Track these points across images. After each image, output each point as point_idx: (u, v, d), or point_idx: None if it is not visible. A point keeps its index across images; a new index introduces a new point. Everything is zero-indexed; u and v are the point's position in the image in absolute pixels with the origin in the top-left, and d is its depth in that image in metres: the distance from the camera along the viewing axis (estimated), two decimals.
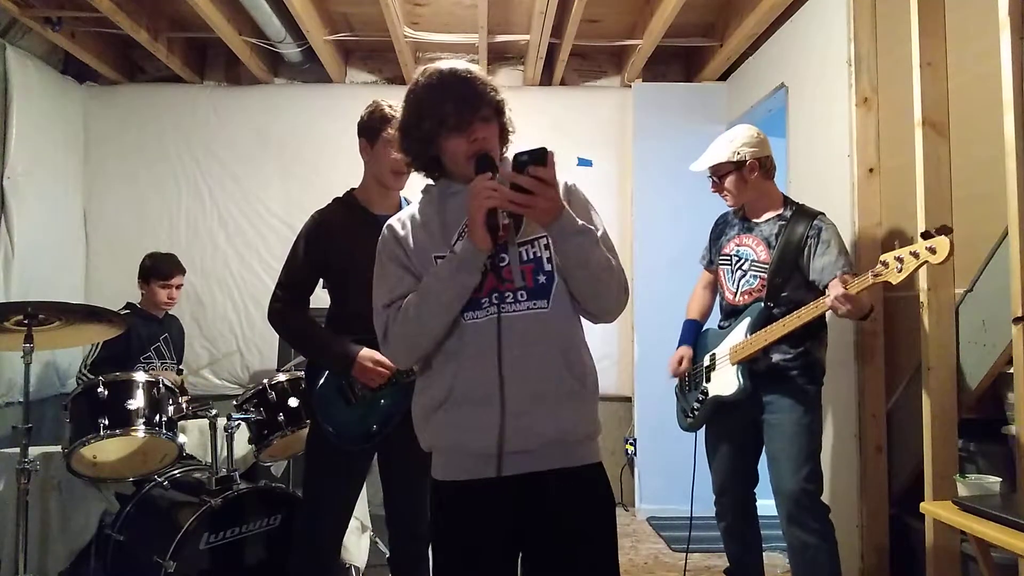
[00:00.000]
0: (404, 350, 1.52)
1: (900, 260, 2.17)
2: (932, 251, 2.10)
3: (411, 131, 1.53)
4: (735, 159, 2.56)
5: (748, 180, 2.57)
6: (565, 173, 1.54)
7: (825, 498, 2.49)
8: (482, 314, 1.46)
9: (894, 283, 2.20)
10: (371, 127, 2.28)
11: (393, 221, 1.59)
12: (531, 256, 1.48)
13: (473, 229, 1.41)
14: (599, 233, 1.49)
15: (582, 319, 1.55)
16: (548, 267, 1.48)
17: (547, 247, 1.48)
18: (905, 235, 2.58)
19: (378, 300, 1.53)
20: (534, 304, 1.46)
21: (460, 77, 1.49)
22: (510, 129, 1.57)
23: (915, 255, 2.14)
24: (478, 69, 1.54)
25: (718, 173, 2.61)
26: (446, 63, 1.53)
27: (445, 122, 1.47)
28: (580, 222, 1.44)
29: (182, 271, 3.57)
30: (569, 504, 1.47)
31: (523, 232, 1.49)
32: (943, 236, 2.09)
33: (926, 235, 2.13)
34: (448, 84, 1.49)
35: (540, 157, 1.38)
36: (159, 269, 3.48)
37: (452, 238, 1.50)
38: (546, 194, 1.38)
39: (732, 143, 2.59)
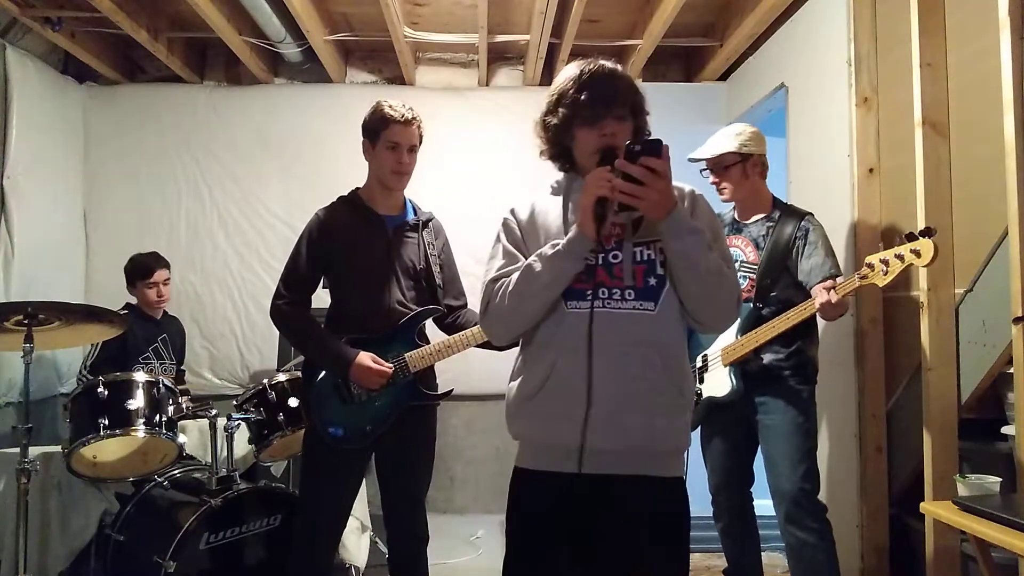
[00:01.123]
0: (502, 326, 1.53)
1: (885, 263, 2.18)
2: (916, 254, 2.11)
3: (548, 119, 1.55)
4: (742, 151, 2.55)
5: (749, 176, 2.57)
6: (687, 182, 1.55)
7: (825, 498, 2.49)
8: (585, 305, 1.46)
9: (880, 285, 2.22)
10: (372, 128, 2.29)
11: (517, 204, 1.61)
12: (645, 257, 1.48)
13: (582, 216, 1.42)
14: (720, 244, 1.50)
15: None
16: (661, 271, 1.47)
17: (662, 251, 1.47)
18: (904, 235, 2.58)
19: (487, 275, 1.55)
20: (641, 304, 1.46)
21: (604, 72, 1.51)
22: (646, 132, 1.57)
23: (900, 257, 2.15)
24: (622, 70, 1.55)
25: (722, 164, 2.58)
26: (593, 61, 1.55)
27: (579, 113, 1.49)
28: (694, 223, 1.44)
29: (165, 265, 3.50)
30: (647, 514, 1.46)
31: (642, 233, 1.49)
32: (927, 238, 2.09)
33: (910, 237, 2.14)
34: (589, 78, 1.50)
35: (654, 147, 1.37)
36: (139, 268, 3.44)
37: (570, 230, 1.50)
38: (657, 185, 1.37)
39: (739, 136, 2.57)
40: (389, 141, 2.27)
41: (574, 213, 1.51)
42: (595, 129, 1.49)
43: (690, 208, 1.52)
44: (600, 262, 1.46)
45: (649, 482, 1.46)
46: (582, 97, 1.48)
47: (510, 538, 1.53)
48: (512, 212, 1.59)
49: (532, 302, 1.46)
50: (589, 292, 1.46)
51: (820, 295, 2.27)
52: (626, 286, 1.46)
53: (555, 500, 1.47)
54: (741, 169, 2.57)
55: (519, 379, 1.53)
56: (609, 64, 1.53)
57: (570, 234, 1.45)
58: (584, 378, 1.43)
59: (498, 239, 1.59)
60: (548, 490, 1.48)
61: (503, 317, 1.50)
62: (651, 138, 1.40)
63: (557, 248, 1.44)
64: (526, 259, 1.50)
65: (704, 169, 2.65)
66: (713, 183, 2.64)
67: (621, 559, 1.46)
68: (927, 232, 2.11)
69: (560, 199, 1.57)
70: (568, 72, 1.54)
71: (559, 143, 1.56)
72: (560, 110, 1.52)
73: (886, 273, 2.17)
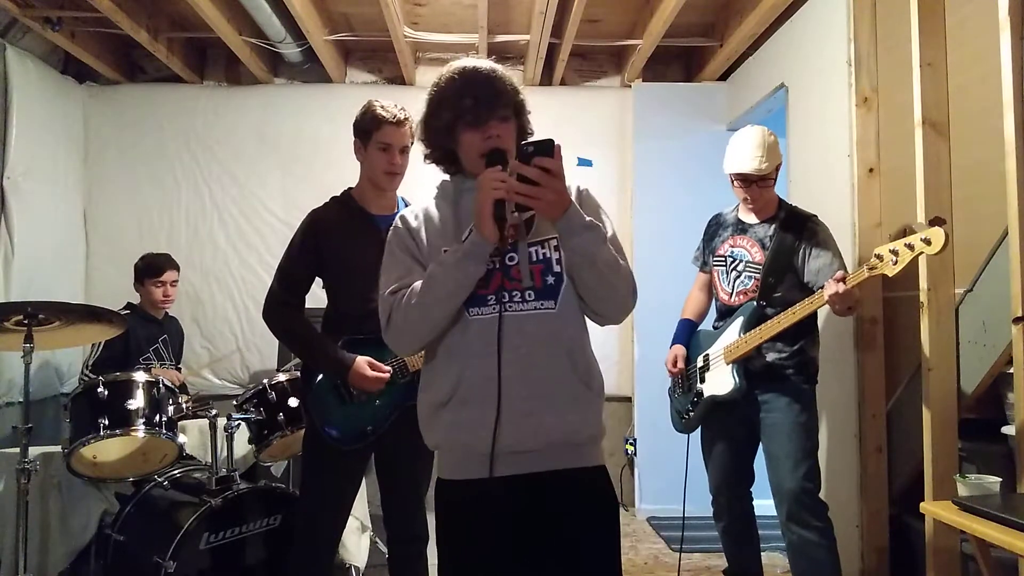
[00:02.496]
0: (406, 337, 1.51)
1: (895, 253, 2.16)
2: (927, 242, 2.09)
3: (430, 123, 1.54)
4: (779, 162, 2.57)
5: (776, 182, 2.59)
6: (570, 176, 1.53)
7: (825, 498, 2.49)
8: (487, 311, 1.45)
9: (890, 275, 2.20)
10: (363, 128, 2.28)
11: (406, 213, 1.59)
12: (541, 256, 1.48)
13: (480, 220, 1.41)
14: (608, 234, 1.48)
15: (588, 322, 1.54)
16: (557, 268, 1.47)
17: (557, 248, 1.47)
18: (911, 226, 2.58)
19: (384, 287, 1.53)
20: (541, 304, 1.46)
21: (483, 74, 1.50)
22: (529, 130, 1.57)
23: (910, 247, 2.13)
24: (502, 69, 1.54)
25: (769, 177, 2.55)
26: (472, 60, 1.54)
27: (462, 116, 1.48)
28: (588, 218, 1.43)
29: (175, 267, 3.54)
30: (570, 506, 1.46)
31: (534, 232, 1.48)
32: (937, 227, 2.08)
33: (920, 227, 2.13)
34: (470, 80, 1.50)
35: (546, 148, 1.37)
36: (150, 267, 3.47)
37: (463, 233, 1.49)
38: (552, 186, 1.36)
39: (776, 148, 2.56)
40: (380, 142, 2.26)
41: (466, 216, 1.50)
42: (480, 131, 1.48)
43: (577, 202, 1.50)
44: (497, 266, 1.46)
45: (570, 474, 1.46)
46: (465, 100, 1.48)
47: (444, 549, 1.52)
48: (402, 219, 1.58)
49: (437, 311, 1.45)
50: (491, 297, 1.45)
51: (830, 286, 2.25)
52: (525, 287, 1.46)
53: (476, 507, 1.47)
54: (774, 179, 2.59)
55: (428, 390, 1.52)
56: (489, 64, 1.53)
57: (471, 238, 1.43)
58: (494, 383, 1.42)
59: (390, 251, 1.57)
60: (466, 498, 1.47)
61: (408, 329, 1.48)
62: (542, 138, 1.39)
63: (458, 254, 1.43)
64: (422, 266, 1.49)
65: (735, 175, 2.57)
66: (749, 192, 2.56)
67: (554, 557, 1.46)
68: (937, 221, 2.10)
69: (449, 203, 1.56)
70: (450, 72, 1.53)
71: (442, 146, 1.55)
72: (442, 113, 1.51)
73: (896, 263, 2.16)
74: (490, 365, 1.43)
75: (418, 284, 1.46)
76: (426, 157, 1.60)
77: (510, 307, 1.45)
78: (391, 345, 1.59)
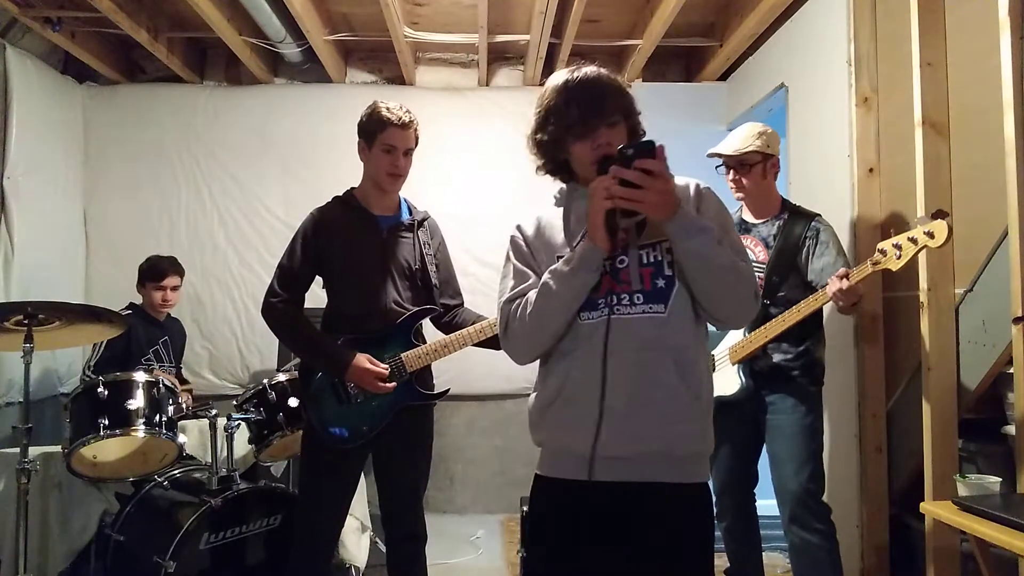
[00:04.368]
0: (524, 346, 1.51)
1: (898, 247, 2.16)
2: (930, 235, 2.09)
3: (539, 136, 1.53)
4: (766, 151, 2.55)
5: (766, 176, 2.58)
6: (692, 175, 1.53)
7: (825, 498, 2.49)
8: (596, 315, 1.44)
9: (894, 270, 2.19)
10: (369, 129, 2.29)
11: (523, 221, 1.59)
12: (651, 260, 1.46)
13: (592, 230, 1.40)
14: (730, 238, 1.47)
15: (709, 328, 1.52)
16: (668, 272, 1.45)
17: (669, 251, 1.45)
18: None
19: (501, 295, 1.54)
20: (650, 308, 1.43)
21: (586, 82, 1.49)
22: (640, 131, 1.55)
23: (913, 240, 2.13)
24: (606, 73, 1.52)
25: (747, 162, 2.56)
26: (575, 69, 1.52)
27: (571, 128, 1.47)
28: (701, 221, 1.42)
29: (179, 272, 3.53)
30: (667, 522, 1.43)
31: (646, 234, 1.46)
32: (940, 220, 2.08)
33: (922, 221, 2.12)
34: (573, 89, 1.48)
35: (647, 149, 1.35)
36: (153, 269, 3.46)
37: (575, 240, 1.49)
38: (655, 187, 1.34)
39: (763, 135, 2.56)
40: (385, 144, 2.27)
41: (576, 223, 1.50)
42: (589, 141, 1.47)
43: (696, 203, 1.50)
44: (607, 269, 1.45)
45: (669, 488, 1.43)
46: (572, 111, 1.46)
47: (529, 543, 1.54)
48: (519, 228, 1.58)
49: (553, 321, 1.45)
50: (601, 301, 1.44)
51: (833, 282, 2.25)
52: (634, 290, 1.44)
53: (569, 507, 1.46)
54: (762, 168, 2.57)
55: (539, 390, 1.53)
56: (592, 69, 1.51)
57: (583, 247, 1.42)
58: (598, 386, 1.42)
59: (508, 258, 1.58)
60: (563, 497, 1.47)
61: (525, 338, 1.49)
62: (643, 140, 1.38)
63: (572, 263, 1.42)
64: (537, 275, 1.50)
65: (720, 165, 2.63)
66: (733, 180, 2.61)
67: (643, 568, 1.44)
68: (939, 214, 2.09)
69: (564, 210, 1.56)
70: (553, 84, 1.52)
71: (555, 159, 1.55)
72: (550, 127, 1.50)
73: (899, 257, 2.15)
74: (595, 368, 1.42)
75: (533, 293, 1.47)
76: (538, 169, 1.59)
77: (618, 310, 1.43)
78: (509, 353, 1.58)
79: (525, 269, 1.53)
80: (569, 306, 1.44)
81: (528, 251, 1.54)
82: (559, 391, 1.46)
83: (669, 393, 1.42)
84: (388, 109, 2.27)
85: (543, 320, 1.45)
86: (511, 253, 1.58)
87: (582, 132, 1.46)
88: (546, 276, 1.46)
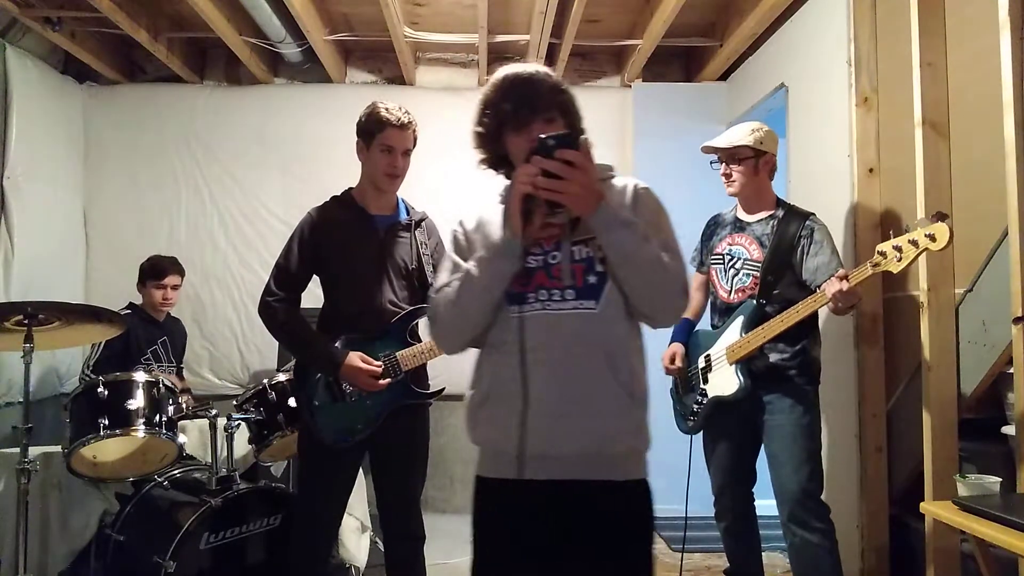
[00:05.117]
0: (447, 333, 1.52)
1: (899, 249, 2.15)
2: (932, 238, 2.09)
3: (478, 129, 1.55)
4: (758, 147, 2.55)
5: (759, 173, 2.58)
6: (630, 176, 1.54)
7: (825, 498, 2.49)
8: (526, 308, 1.45)
9: (894, 272, 2.19)
10: (367, 129, 2.29)
11: (464, 216, 1.60)
12: (583, 255, 1.46)
13: (508, 215, 1.41)
14: (662, 236, 1.46)
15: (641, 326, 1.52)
16: (600, 268, 1.45)
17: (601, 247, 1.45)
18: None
19: (433, 288, 1.55)
20: (581, 304, 1.43)
21: (522, 78, 1.50)
22: (581, 128, 1.55)
23: (914, 243, 2.12)
24: (545, 70, 1.53)
25: (736, 156, 2.57)
26: (514, 65, 1.54)
27: (506, 122, 1.49)
28: (625, 215, 1.41)
29: (179, 272, 3.55)
30: (599, 522, 1.43)
31: (580, 230, 1.46)
32: (940, 223, 2.07)
33: (922, 223, 2.12)
34: (509, 85, 1.50)
35: (569, 140, 1.35)
36: (153, 268, 3.48)
37: None
38: (576, 178, 1.34)
39: (756, 132, 2.57)
40: (383, 144, 2.27)
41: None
42: (524, 134, 1.47)
43: (632, 202, 1.49)
44: (541, 264, 1.46)
45: (604, 487, 1.43)
46: (505, 105, 1.48)
47: (474, 547, 1.52)
48: (460, 223, 1.59)
49: (471, 306, 1.45)
50: (531, 295, 1.45)
51: (832, 284, 2.24)
52: (565, 286, 1.44)
53: (507, 507, 1.46)
54: (753, 164, 2.57)
55: (473, 386, 1.53)
56: (530, 67, 1.53)
57: (501, 235, 1.44)
58: (519, 382, 1.42)
59: (446, 252, 1.59)
60: (500, 497, 1.47)
61: (447, 324, 1.50)
62: (565, 132, 1.38)
63: (490, 249, 1.44)
64: None
65: (715, 160, 2.64)
66: (723, 174, 2.63)
67: (581, 567, 1.44)
68: (940, 216, 2.09)
69: (503, 207, 1.56)
70: (493, 79, 1.54)
71: (494, 151, 1.55)
72: (486, 119, 1.52)
73: (900, 259, 2.15)
74: (515, 364, 1.42)
75: (455, 281, 1.47)
76: (479, 163, 1.60)
77: (548, 306, 1.44)
78: (437, 344, 1.59)
79: (460, 261, 1.52)
80: (488, 292, 1.44)
81: (465, 244, 1.55)
82: (489, 388, 1.47)
83: (600, 390, 1.42)
84: (387, 110, 2.27)
85: (462, 306, 1.45)
86: (448, 246, 1.59)
87: (516, 126, 1.48)
88: (469, 263, 1.47)
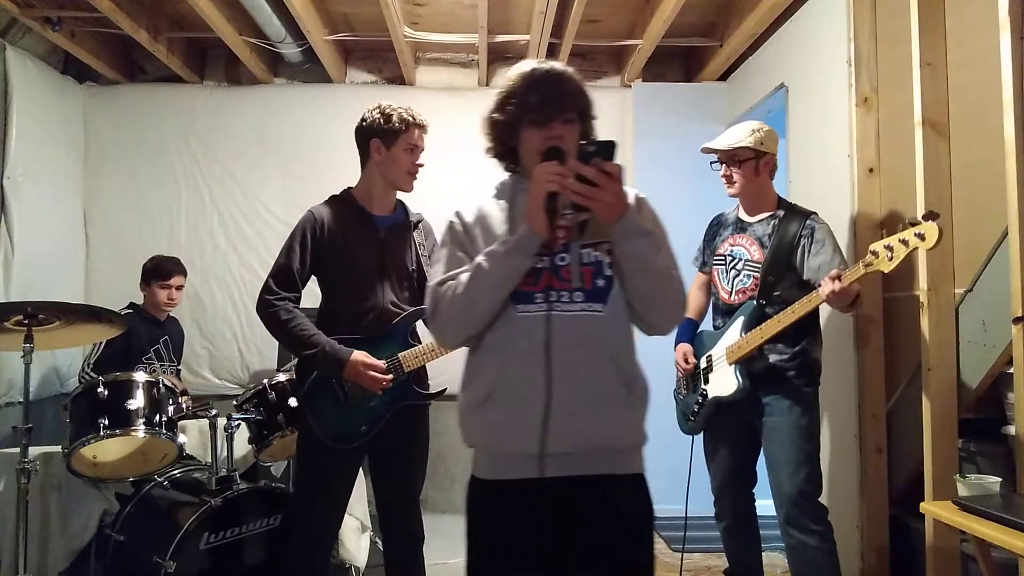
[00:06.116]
0: (451, 328, 1.51)
1: (890, 248, 2.16)
2: (921, 237, 2.09)
3: (495, 116, 1.55)
4: (758, 148, 2.55)
5: (760, 173, 2.57)
6: (628, 184, 1.54)
7: (825, 498, 2.49)
8: (534, 308, 1.45)
9: (886, 271, 2.20)
10: (391, 130, 2.30)
11: (462, 208, 1.59)
12: (593, 259, 1.48)
13: (531, 211, 1.41)
14: (664, 246, 1.49)
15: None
16: (608, 272, 1.47)
17: (609, 252, 1.47)
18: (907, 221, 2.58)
19: (432, 279, 1.54)
20: (589, 306, 1.46)
21: (553, 74, 1.51)
22: (594, 135, 1.56)
23: (904, 242, 2.13)
24: (573, 72, 1.54)
25: (737, 157, 2.57)
26: (541, 61, 1.55)
27: (527, 114, 1.49)
28: (645, 226, 1.44)
29: (183, 272, 3.57)
30: (607, 513, 1.46)
31: (588, 234, 1.48)
32: (931, 221, 2.08)
33: (913, 223, 2.13)
34: (540, 78, 1.50)
35: (608, 149, 1.37)
36: (159, 269, 3.49)
37: (515, 230, 1.49)
38: (610, 188, 1.37)
39: (756, 133, 2.56)
40: (409, 143, 2.30)
41: (521, 214, 1.50)
42: (543, 130, 1.48)
43: (636, 211, 1.51)
44: (548, 265, 1.46)
45: (612, 480, 1.47)
46: (532, 98, 1.48)
47: (472, 550, 1.51)
48: (458, 215, 1.58)
49: (482, 302, 1.45)
50: (539, 295, 1.45)
51: (826, 284, 2.25)
52: (574, 288, 1.46)
53: (518, 508, 1.46)
54: (754, 165, 2.56)
55: (468, 387, 1.52)
56: (560, 66, 1.53)
57: (520, 230, 1.43)
58: (542, 383, 1.42)
59: (443, 243, 1.58)
60: (510, 498, 1.47)
61: (453, 319, 1.48)
62: (605, 140, 1.38)
63: (507, 245, 1.43)
64: (472, 259, 1.49)
65: (715, 161, 2.64)
66: (724, 175, 2.63)
67: (587, 561, 1.45)
68: (930, 216, 2.10)
69: (505, 202, 1.56)
70: (520, 70, 1.53)
71: (505, 142, 1.56)
72: (508, 108, 1.51)
73: (891, 259, 2.15)
74: (535, 364, 1.43)
75: (465, 276, 1.46)
76: (487, 151, 1.60)
77: (557, 307, 1.45)
78: (435, 336, 1.59)
79: (460, 254, 1.52)
80: (500, 288, 1.44)
81: (465, 237, 1.54)
82: (492, 388, 1.46)
83: (608, 389, 1.46)
84: (406, 110, 2.32)
85: (473, 300, 1.45)
86: (446, 238, 1.58)
87: (537, 120, 1.48)
88: (480, 257, 1.46)
